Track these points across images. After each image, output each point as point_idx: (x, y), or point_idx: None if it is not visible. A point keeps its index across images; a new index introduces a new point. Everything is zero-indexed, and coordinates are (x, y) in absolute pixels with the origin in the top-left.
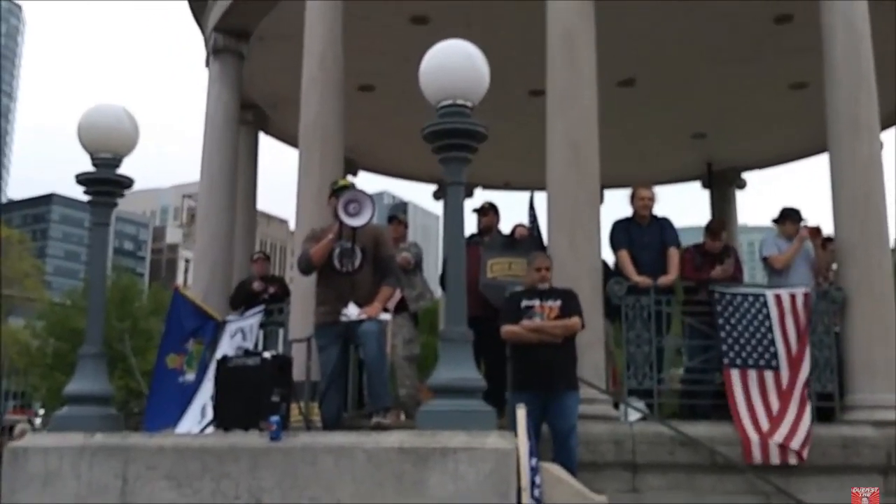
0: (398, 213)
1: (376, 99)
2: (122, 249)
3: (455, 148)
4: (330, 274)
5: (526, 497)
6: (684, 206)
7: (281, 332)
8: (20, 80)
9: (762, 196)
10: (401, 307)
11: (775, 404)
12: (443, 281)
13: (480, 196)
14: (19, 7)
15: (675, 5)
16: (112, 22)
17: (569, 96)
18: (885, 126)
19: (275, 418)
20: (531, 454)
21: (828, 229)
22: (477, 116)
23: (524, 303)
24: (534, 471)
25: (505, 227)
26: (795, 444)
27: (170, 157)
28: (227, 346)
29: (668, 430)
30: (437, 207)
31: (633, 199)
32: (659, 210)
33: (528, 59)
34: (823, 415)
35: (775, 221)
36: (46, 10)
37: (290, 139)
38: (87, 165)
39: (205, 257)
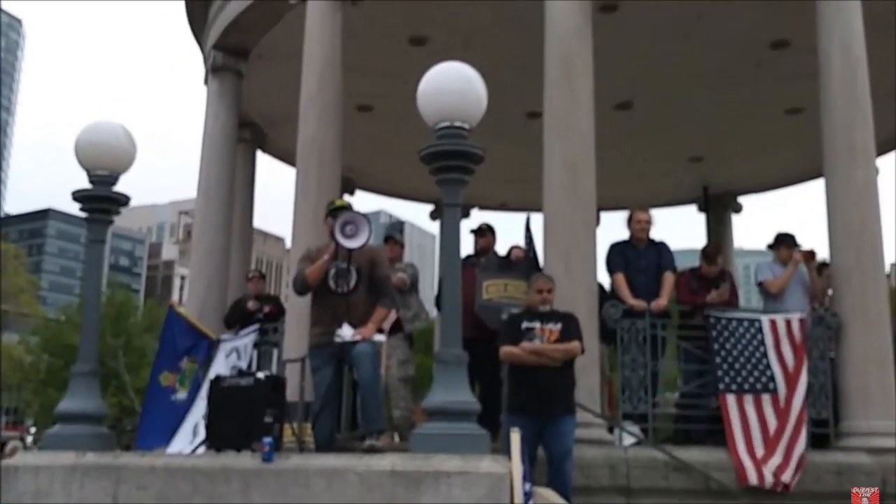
0: (394, 232)
1: (374, 119)
2: (118, 265)
3: (452, 170)
4: (325, 294)
5: None
6: (680, 229)
7: (275, 351)
8: (19, 94)
9: (758, 220)
10: (396, 328)
11: (773, 424)
12: (438, 302)
13: (477, 217)
14: (19, 21)
15: (673, 29)
16: (112, 37)
17: (566, 119)
18: (881, 152)
19: (267, 439)
20: (525, 479)
21: (823, 254)
22: (474, 138)
23: (524, 324)
24: (527, 496)
25: (501, 248)
26: (786, 476)
27: (166, 171)
28: (221, 366)
29: (663, 454)
30: (434, 227)
31: (629, 221)
32: (654, 233)
33: (526, 82)
34: (818, 441)
35: (770, 247)
36: (47, 25)
37: (288, 157)
38: (85, 181)
39: (200, 274)
